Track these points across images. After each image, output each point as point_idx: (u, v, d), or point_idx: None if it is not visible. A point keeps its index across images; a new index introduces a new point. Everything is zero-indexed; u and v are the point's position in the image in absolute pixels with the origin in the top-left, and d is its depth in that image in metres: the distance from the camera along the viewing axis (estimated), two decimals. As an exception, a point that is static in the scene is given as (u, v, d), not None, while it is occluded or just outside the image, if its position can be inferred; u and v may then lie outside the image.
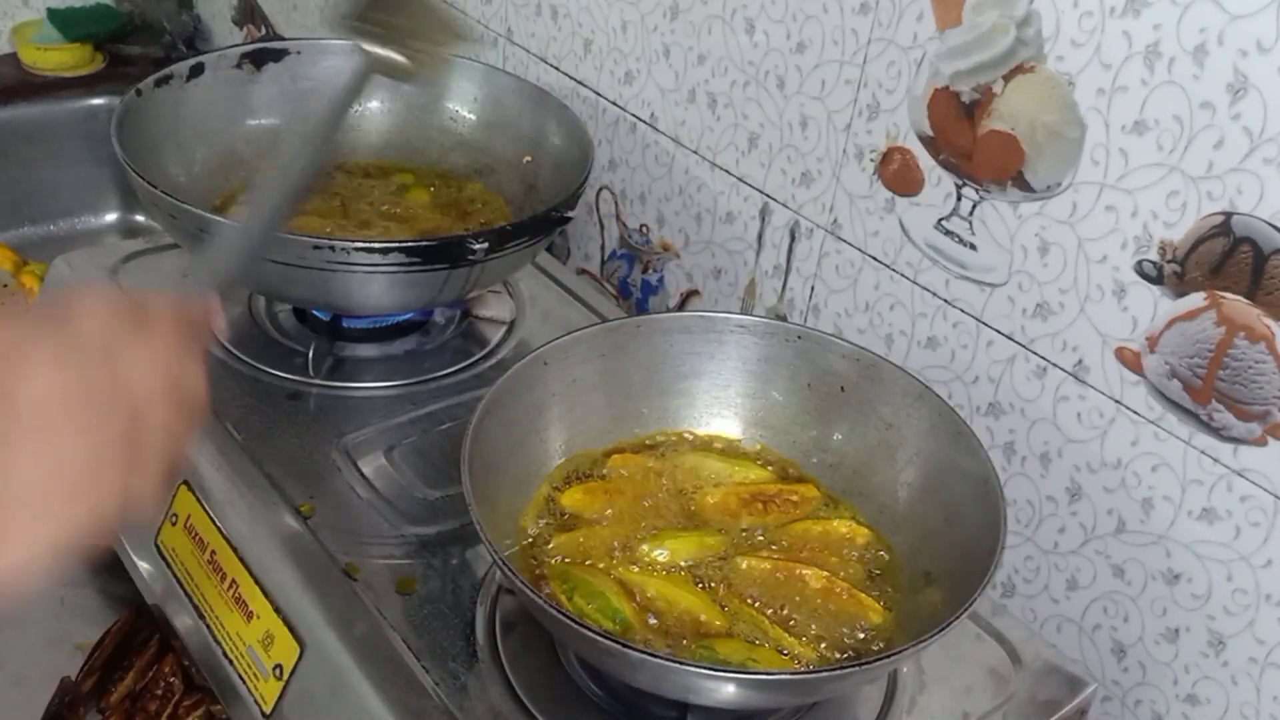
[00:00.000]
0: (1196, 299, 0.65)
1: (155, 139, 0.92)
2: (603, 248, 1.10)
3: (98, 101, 1.50)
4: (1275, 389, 0.63)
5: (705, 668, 0.58)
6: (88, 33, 1.58)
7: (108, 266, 0.95)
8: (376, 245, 0.77)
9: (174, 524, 0.77)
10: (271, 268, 0.77)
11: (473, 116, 1.04)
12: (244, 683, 0.70)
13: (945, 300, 0.79)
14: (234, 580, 0.72)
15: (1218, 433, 0.66)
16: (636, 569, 0.67)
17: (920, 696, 0.68)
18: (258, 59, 1.00)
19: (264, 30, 1.55)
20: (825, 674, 0.59)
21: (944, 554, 0.66)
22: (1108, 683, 0.76)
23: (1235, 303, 0.64)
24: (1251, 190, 0.62)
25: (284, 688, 0.67)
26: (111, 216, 1.55)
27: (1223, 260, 0.64)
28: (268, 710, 0.68)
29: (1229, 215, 0.63)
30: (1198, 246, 0.65)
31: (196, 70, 0.96)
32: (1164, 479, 0.70)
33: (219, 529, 0.74)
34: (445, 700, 0.63)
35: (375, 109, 1.04)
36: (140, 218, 1.54)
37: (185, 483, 0.77)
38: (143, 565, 0.80)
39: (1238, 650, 0.69)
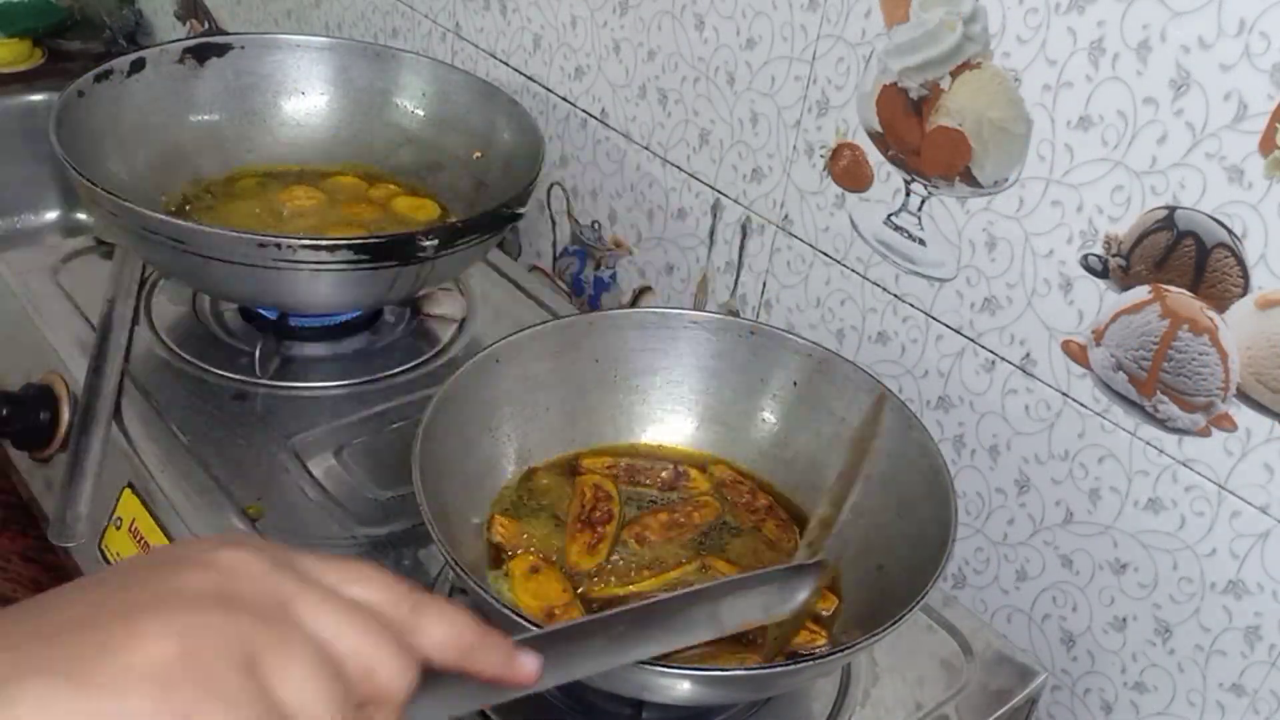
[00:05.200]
0: (1141, 292, 0.66)
1: (96, 136, 0.90)
2: (554, 244, 1.09)
3: (37, 98, 1.47)
4: (1218, 381, 0.64)
5: (660, 665, 0.58)
6: (26, 28, 1.54)
7: (49, 266, 0.93)
8: (324, 243, 0.76)
9: (118, 528, 0.76)
10: (217, 266, 0.76)
11: (421, 113, 1.03)
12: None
13: (895, 295, 0.79)
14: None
15: (1162, 424, 0.67)
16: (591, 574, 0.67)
17: (874, 688, 0.69)
18: (200, 54, 0.98)
19: (207, 25, 1.52)
20: (780, 669, 0.59)
21: (896, 547, 0.67)
22: (1057, 672, 0.77)
23: (1179, 296, 0.65)
24: (1194, 185, 0.63)
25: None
26: (52, 215, 1.51)
27: (1166, 254, 0.65)
28: None
29: (1172, 209, 0.64)
30: (1142, 240, 0.65)
31: (138, 65, 0.94)
32: (1110, 470, 0.71)
33: (164, 533, 0.73)
34: (398, 702, 0.63)
35: (322, 105, 1.03)
36: (81, 216, 1.51)
37: (129, 485, 0.76)
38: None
39: (1184, 638, 0.70)
